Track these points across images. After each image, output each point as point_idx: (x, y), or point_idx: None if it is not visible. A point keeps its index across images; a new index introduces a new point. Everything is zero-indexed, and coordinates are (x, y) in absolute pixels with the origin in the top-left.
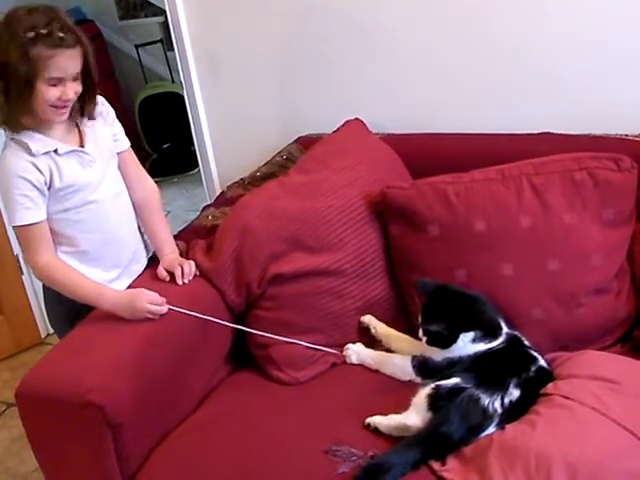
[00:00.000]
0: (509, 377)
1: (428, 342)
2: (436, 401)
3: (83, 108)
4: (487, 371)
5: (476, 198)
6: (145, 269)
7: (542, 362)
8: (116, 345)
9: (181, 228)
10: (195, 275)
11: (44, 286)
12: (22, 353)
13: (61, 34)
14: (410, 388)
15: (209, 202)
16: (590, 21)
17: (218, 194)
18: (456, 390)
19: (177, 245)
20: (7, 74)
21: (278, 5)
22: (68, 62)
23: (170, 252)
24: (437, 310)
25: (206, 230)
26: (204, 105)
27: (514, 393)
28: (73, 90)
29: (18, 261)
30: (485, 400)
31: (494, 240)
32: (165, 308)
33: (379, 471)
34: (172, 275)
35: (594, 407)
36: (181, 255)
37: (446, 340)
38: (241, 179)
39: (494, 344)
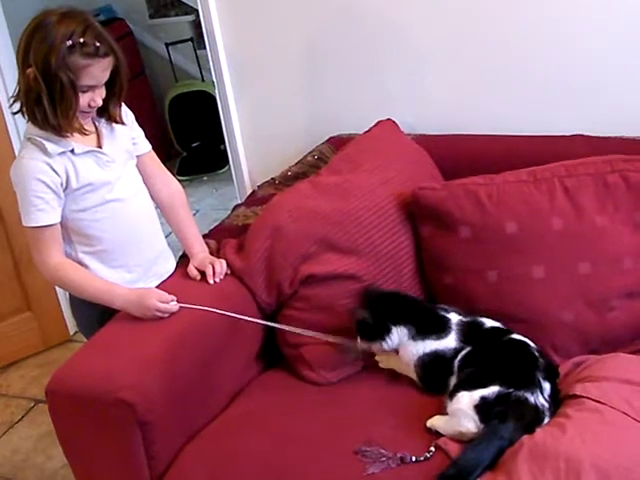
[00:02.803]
0: (534, 371)
1: (359, 332)
2: (487, 410)
3: (109, 112)
4: (510, 371)
5: (508, 200)
6: (176, 268)
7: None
8: (147, 343)
9: (212, 227)
10: (226, 274)
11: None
12: (50, 350)
13: (97, 43)
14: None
15: (239, 201)
16: (622, 23)
17: (249, 193)
18: (502, 396)
19: (208, 244)
20: (49, 81)
21: (311, 5)
22: (101, 72)
23: (200, 251)
24: (370, 307)
25: (237, 229)
26: (235, 104)
27: (547, 387)
28: (100, 96)
29: None
30: (531, 398)
31: (525, 242)
32: (175, 306)
33: (466, 468)
34: (203, 274)
35: (625, 411)
36: (212, 254)
37: (375, 331)
38: (272, 178)
39: (446, 342)
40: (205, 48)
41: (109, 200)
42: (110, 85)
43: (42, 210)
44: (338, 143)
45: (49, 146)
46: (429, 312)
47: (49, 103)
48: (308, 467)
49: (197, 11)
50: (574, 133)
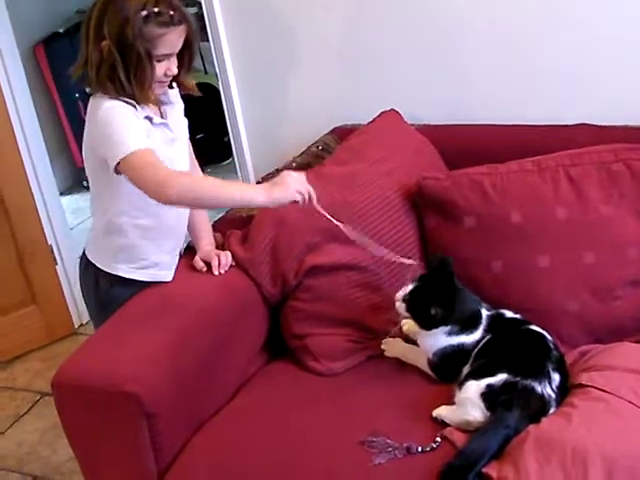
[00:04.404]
0: (545, 361)
1: (410, 313)
2: (493, 398)
3: (181, 82)
4: (520, 358)
5: (512, 189)
6: (180, 259)
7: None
8: (152, 335)
9: (216, 218)
10: (231, 265)
11: (82, 267)
12: (55, 343)
13: (171, 12)
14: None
15: None
16: (628, 14)
17: None
18: (509, 385)
19: (215, 237)
20: (125, 53)
21: None
22: (177, 40)
23: (207, 244)
24: (432, 291)
25: (242, 220)
26: (239, 96)
27: (556, 378)
28: (175, 65)
29: (52, 251)
30: (538, 388)
31: (530, 232)
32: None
33: (472, 458)
34: (209, 265)
35: (630, 400)
36: (218, 247)
37: (430, 323)
38: (276, 170)
39: (473, 336)
40: (208, 40)
41: None
42: (180, 54)
43: (139, 134)
44: (342, 134)
45: (137, 107)
46: (472, 311)
47: (124, 74)
48: (314, 457)
49: (200, 4)
50: (579, 122)
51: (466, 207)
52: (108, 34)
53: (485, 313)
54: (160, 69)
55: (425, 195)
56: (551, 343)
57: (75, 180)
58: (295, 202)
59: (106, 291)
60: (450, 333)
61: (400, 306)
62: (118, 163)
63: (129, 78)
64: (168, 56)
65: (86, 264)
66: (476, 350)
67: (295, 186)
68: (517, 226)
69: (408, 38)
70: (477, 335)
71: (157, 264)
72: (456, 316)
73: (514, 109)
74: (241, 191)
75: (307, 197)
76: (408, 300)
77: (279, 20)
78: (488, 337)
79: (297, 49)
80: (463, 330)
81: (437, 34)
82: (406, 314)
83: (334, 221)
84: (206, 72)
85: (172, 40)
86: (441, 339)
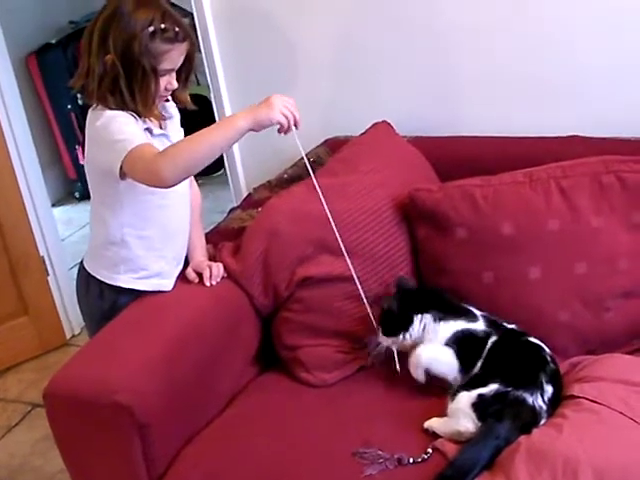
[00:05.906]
0: (539, 373)
1: (381, 325)
2: (484, 409)
3: (178, 97)
4: (514, 369)
5: (504, 201)
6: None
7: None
8: (145, 346)
9: (208, 230)
10: (223, 277)
11: (82, 280)
12: (47, 354)
13: (176, 28)
14: (437, 392)
15: (235, 204)
16: (620, 22)
17: (245, 196)
18: (500, 395)
19: (207, 249)
20: (130, 68)
21: (304, 9)
22: (179, 55)
23: (200, 255)
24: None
25: (234, 232)
26: (231, 107)
27: (548, 390)
28: (174, 79)
29: (44, 262)
30: (529, 399)
31: (522, 243)
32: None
33: (463, 469)
34: (200, 276)
35: (621, 411)
36: (210, 259)
37: (399, 322)
38: (268, 181)
39: (477, 325)
40: (200, 52)
41: (174, 189)
42: (178, 69)
43: (134, 134)
44: (334, 145)
45: (137, 119)
46: (453, 302)
47: (128, 89)
48: (305, 469)
49: (192, 14)
50: (570, 134)
51: (458, 219)
52: (113, 48)
53: (479, 312)
54: (162, 83)
55: (417, 206)
56: (548, 356)
57: (66, 191)
58: (279, 124)
59: (113, 302)
60: (441, 319)
61: (382, 339)
62: (121, 166)
63: (133, 93)
64: (169, 71)
65: (87, 277)
66: (486, 351)
67: (280, 107)
68: (508, 237)
69: (400, 50)
70: (481, 324)
71: (159, 274)
72: (424, 304)
73: (506, 121)
74: (224, 125)
75: (292, 121)
76: (381, 329)
77: (271, 32)
78: (495, 338)
79: (289, 61)
80: (454, 316)
81: (429, 46)
82: (388, 338)
83: (307, 162)
84: (198, 83)
85: (175, 56)
86: (440, 329)
